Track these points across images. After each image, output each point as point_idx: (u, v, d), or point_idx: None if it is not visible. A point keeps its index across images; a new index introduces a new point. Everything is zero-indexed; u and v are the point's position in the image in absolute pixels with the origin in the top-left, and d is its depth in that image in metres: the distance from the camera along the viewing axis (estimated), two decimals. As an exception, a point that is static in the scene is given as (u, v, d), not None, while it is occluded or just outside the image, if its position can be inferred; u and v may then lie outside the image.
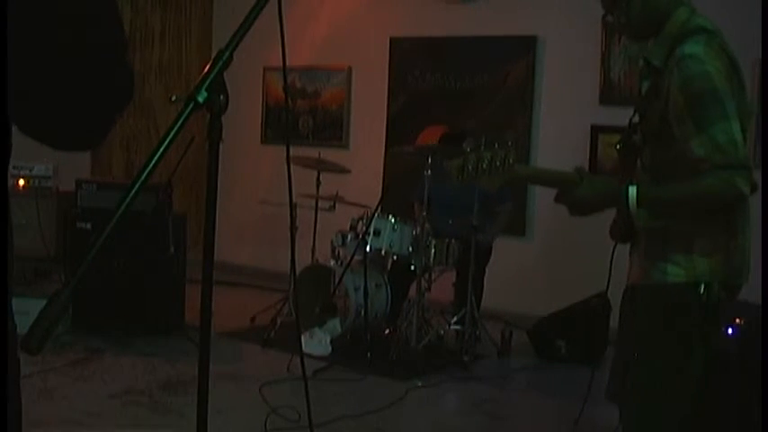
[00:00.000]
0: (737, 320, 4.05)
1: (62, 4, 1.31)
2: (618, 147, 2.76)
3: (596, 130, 6.96)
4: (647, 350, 2.69)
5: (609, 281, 2.90)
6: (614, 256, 2.79)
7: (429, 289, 6.20)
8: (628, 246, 2.82)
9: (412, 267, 6.03)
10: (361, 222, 6.13)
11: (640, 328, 2.74)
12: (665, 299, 2.65)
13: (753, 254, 2.67)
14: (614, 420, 3.10)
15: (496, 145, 2.41)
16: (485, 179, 2.41)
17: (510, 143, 2.45)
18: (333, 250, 6.28)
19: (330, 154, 7.13)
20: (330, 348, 5.94)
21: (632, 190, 2.51)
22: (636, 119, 2.73)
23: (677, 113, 2.49)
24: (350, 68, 8.40)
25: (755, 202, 2.55)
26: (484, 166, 2.38)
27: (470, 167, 2.39)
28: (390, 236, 5.99)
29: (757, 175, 2.54)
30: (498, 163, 2.39)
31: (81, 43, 1.32)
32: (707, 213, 2.58)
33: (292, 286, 5.51)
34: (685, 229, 2.60)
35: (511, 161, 2.42)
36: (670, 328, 2.64)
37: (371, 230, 5.95)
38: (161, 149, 1.44)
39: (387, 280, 6.28)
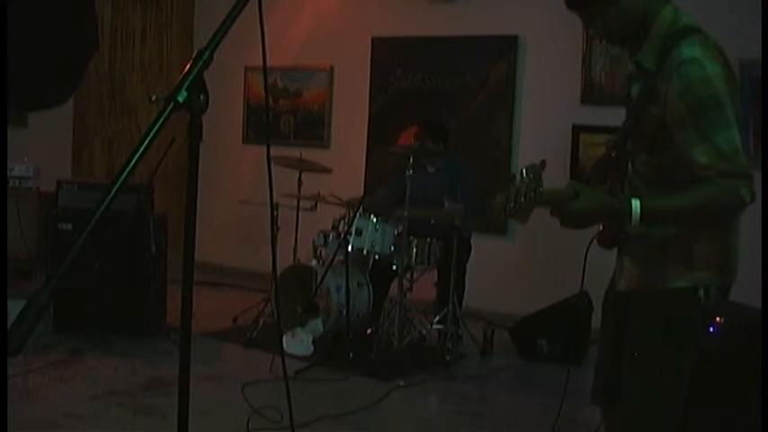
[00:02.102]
0: (718, 319, 4.07)
1: None
2: (613, 154, 2.71)
3: (578, 130, 6.99)
4: (646, 353, 2.67)
5: (583, 280, 2.91)
6: (587, 257, 2.80)
7: (411, 288, 6.21)
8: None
9: (394, 267, 6.03)
10: (342, 222, 6.12)
11: (640, 331, 2.70)
12: (666, 304, 2.63)
13: (753, 254, 2.67)
14: (595, 420, 3.12)
15: (531, 175, 2.39)
16: (520, 213, 2.40)
17: (540, 168, 2.42)
18: (314, 250, 6.27)
19: (312, 153, 7.12)
20: (312, 348, 5.93)
21: (636, 203, 2.43)
22: (629, 124, 2.69)
23: (678, 120, 2.45)
24: (332, 68, 8.39)
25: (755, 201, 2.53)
26: (522, 199, 2.37)
27: (511, 205, 2.38)
28: (372, 235, 5.98)
29: (757, 176, 2.53)
30: (532, 194, 2.38)
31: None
32: (708, 222, 2.58)
33: (274, 286, 5.49)
34: (683, 234, 2.58)
35: (541, 189, 2.40)
36: (670, 332, 2.62)
37: (353, 230, 5.94)
38: (141, 149, 1.44)
39: (368, 279, 6.28)
